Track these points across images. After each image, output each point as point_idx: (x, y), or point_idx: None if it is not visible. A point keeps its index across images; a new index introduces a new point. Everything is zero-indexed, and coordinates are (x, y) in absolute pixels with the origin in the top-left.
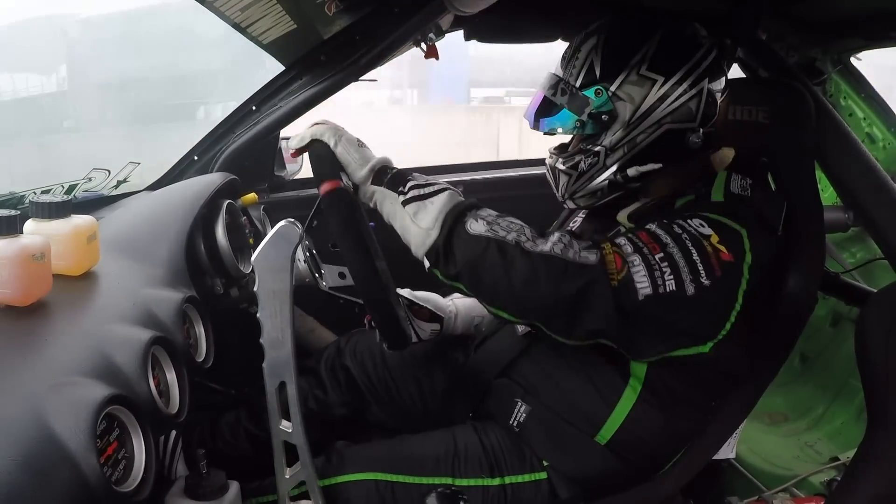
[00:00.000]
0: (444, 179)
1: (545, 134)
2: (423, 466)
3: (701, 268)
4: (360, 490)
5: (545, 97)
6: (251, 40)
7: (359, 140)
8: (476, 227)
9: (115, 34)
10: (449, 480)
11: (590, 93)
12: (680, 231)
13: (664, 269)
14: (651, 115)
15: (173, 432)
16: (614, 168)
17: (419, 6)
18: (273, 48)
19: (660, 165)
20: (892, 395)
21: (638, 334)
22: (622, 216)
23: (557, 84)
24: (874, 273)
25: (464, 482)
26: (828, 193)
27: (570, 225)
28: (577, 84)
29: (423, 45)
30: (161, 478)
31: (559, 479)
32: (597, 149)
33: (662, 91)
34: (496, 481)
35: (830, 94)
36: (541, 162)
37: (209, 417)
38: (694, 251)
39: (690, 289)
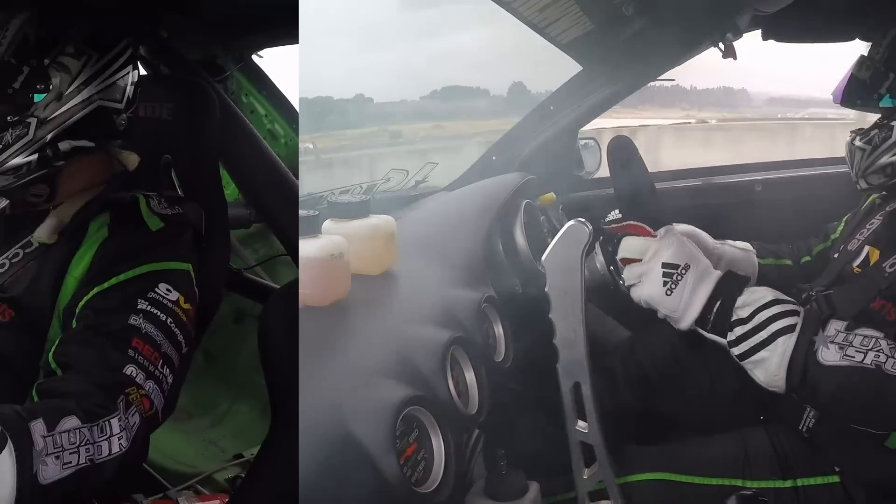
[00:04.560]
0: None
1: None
2: (712, 467)
3: (182, 339)
4: (649, 490)
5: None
6: (548, 40)
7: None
8: (829, 355)
9: None
10: (739, 482)
11: None
12: (164, 317)
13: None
14: None
15: (476, 432)
16: None
17: (716, 6)
18: (571, 49)
19: None
20: (293, 391)
21: None
22: None
23: None
24: (277, 269)
25: (754, 484)
26: (230, 189)
27: (867, 228)
28: None
29: (721, 45)
30: (461, 478)
31: (853, 484)
32: (893, 123)
33: None
34: (788, 483)
35: (232, 92)
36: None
37: (507, 417)
38: (178, 332)
39: (177, 360)
